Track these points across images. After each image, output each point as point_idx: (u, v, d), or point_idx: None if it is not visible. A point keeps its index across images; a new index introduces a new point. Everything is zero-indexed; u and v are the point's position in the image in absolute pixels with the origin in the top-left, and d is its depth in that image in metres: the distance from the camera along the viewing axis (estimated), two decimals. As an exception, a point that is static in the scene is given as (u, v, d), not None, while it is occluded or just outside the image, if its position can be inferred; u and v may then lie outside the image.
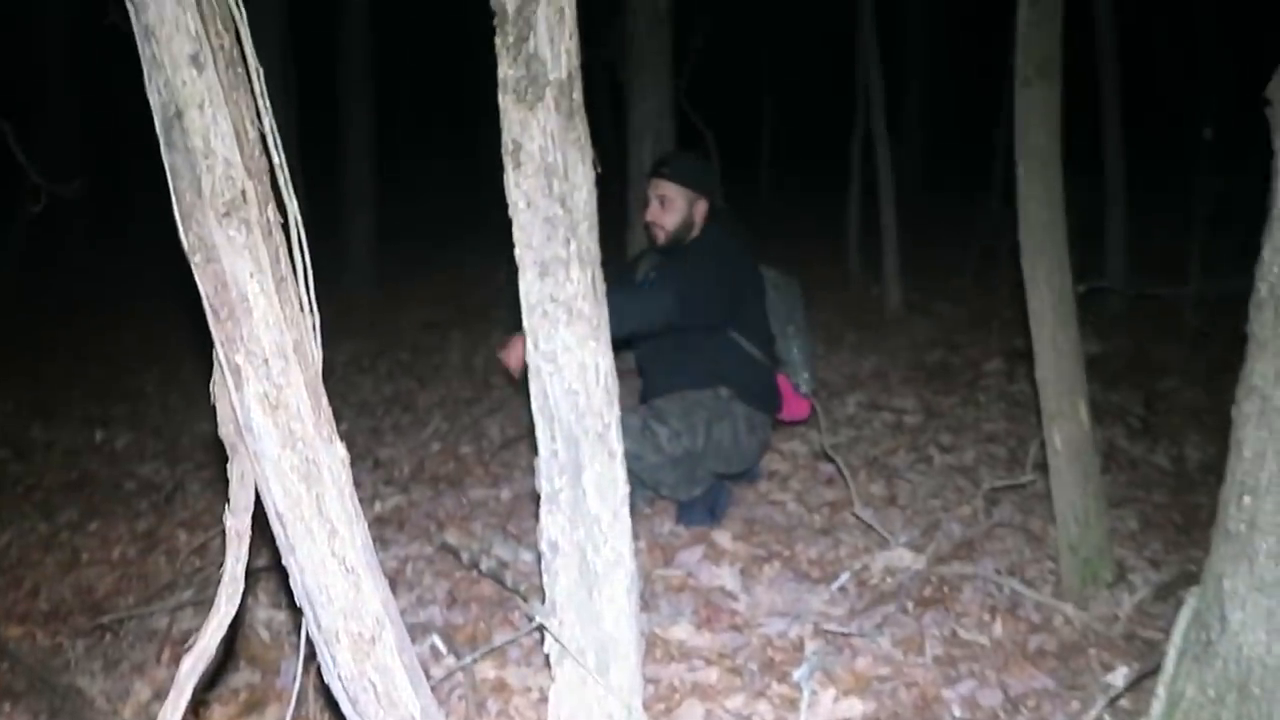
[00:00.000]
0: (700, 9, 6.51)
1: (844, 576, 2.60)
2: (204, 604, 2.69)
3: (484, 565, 2.70)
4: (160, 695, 2.30)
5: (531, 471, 3.40)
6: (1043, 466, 2.56)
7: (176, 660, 2.42)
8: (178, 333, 6.09)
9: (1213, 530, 1.75)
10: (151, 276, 7.85)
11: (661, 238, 3.07)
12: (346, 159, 7.16)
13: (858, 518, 2.91)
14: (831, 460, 3.17)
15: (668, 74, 4.67)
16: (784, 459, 3.47)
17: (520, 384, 2.27)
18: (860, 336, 5.15)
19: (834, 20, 8.25)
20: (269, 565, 2.64)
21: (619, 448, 1.89)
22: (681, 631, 2.37)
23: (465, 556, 2.80)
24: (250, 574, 2.66)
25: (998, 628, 2.33)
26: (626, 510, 1.88)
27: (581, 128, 1.83)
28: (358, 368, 5.19)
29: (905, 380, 4.37)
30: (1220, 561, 1.72)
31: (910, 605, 2.45)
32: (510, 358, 2.75)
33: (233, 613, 1.37)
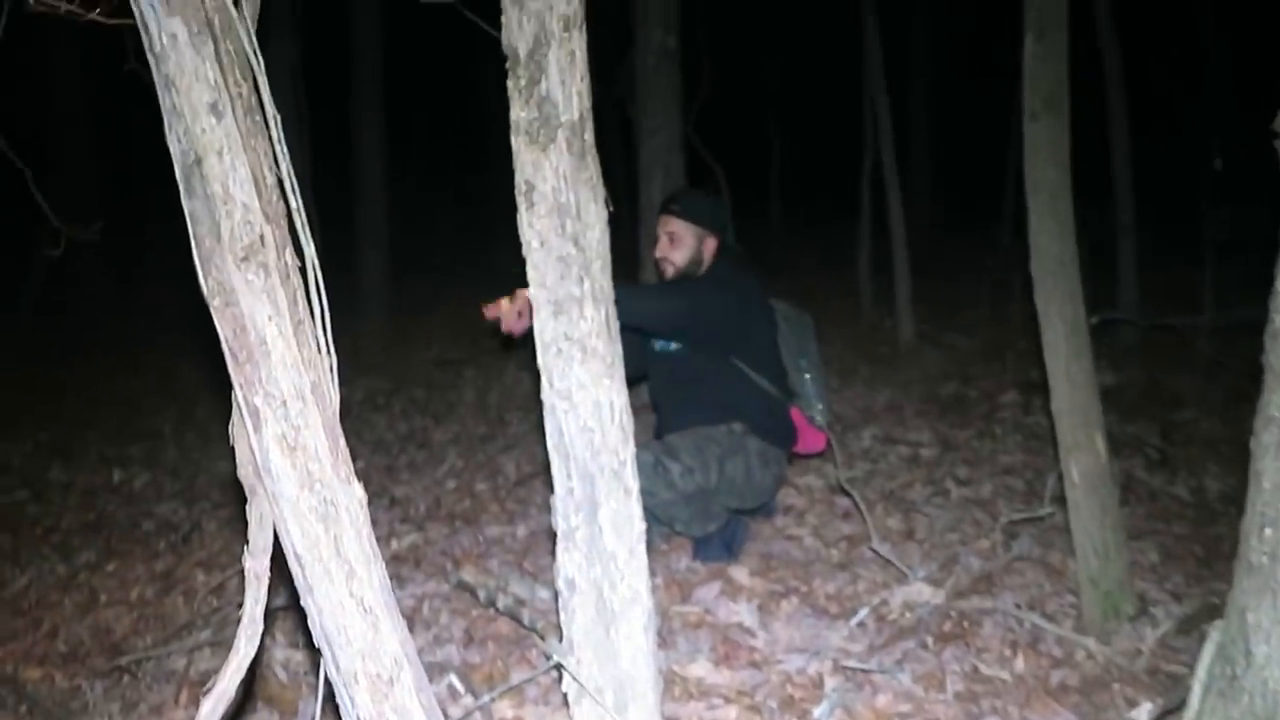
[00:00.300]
0: (708, 45, 6.60)
1: (863, 612, 2.58)
2: (221, 644, 2.70)
3: (501, 603, 2.70)
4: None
5: (547, 508, 3.40)
6: (1061, 499, 2.55)
7: (194, 701, 2.43)
8: (193, 373, 6.15)
9: (1235, 563, 1.74)
10: (165, 318, 7.95)
11: (671, 273, 3.09)
12: (359, 198, 7.24)
13: (875, 552, 2.89)
14: (848, 494, 3.16)
15: (677, 110, 4.72)
16: (800, 493, 3.46)
17: (515, 351, 2.20)
18: (873, 369, 5.15)
19: (842, 53, 8.32)
20: (286, 605, 2.64)
21: (635, 485, 1.90)
22: (700, 669, 2.35)
23: (482, 595, 2.79)
24: (268, 614, 2.66)
25: (1019, 663, 2.31)
26: (643, 547, 1.88)
27: (593, 168, 1.85)
28: (372, 405, 5.21)
29: (920, 413, 4.36)
30: (1243, 595, 1.70)
31: (930, 641, 2.43)
32: (508, 317, 2.63)
33: (252, 654, 1.37)
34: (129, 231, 9.38)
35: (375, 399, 5.33)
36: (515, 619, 2.63)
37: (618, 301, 2.54)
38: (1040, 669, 2.28)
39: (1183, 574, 2.72)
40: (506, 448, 4.29)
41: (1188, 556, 2.85)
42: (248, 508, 1.51)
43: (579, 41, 1.82)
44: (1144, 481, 3.42)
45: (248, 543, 1.50)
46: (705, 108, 6.06)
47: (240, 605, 2.88)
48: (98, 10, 2.52)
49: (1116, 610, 2.40)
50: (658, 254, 3.11)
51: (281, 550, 1.50)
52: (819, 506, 3.36)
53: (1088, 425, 2.40)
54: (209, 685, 1.38)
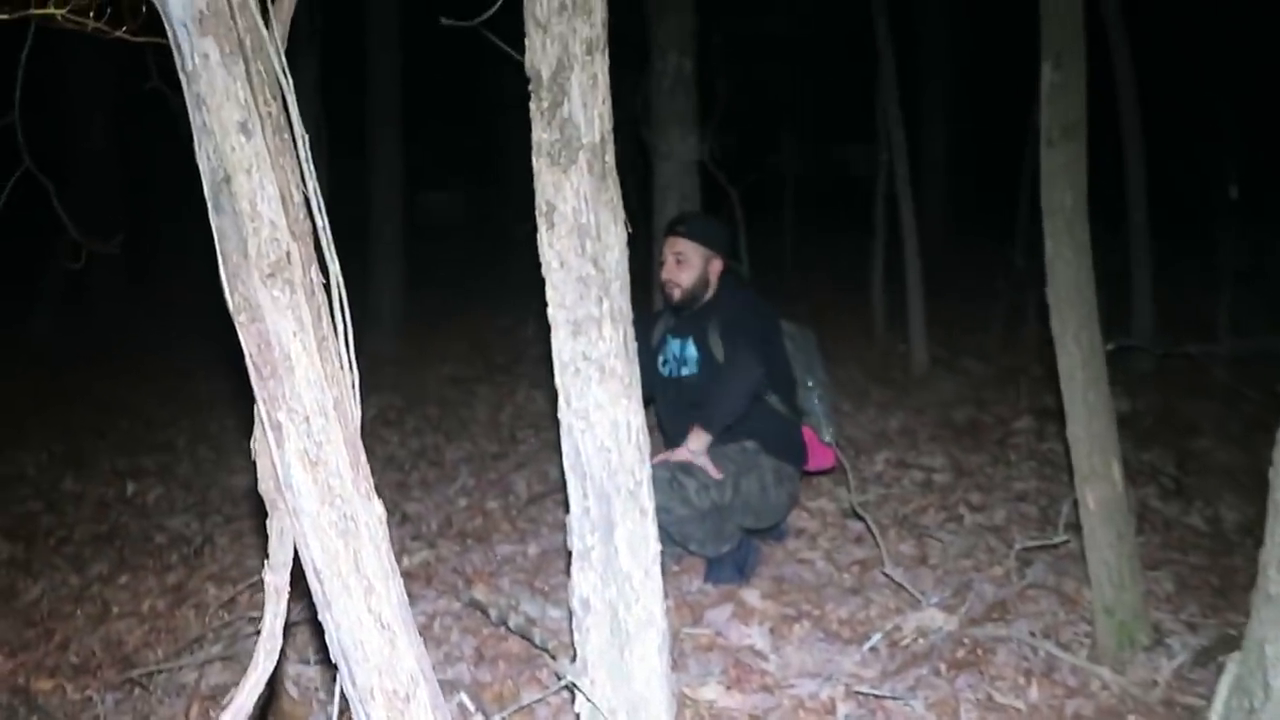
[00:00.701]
0: (723, 68, 6.63)
1: (875, 637, 2.57)
2: (233, 659, 2.70)
3: (512, 622, 2.70)
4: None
5: (558, 527, 3.42)
6: (1075, 526, 2.54)
7: (205, 715, 2.44)
8: (205, 386, 6.19)
9: (1252, 594, 1.73)
10: (178, 331, 8.01)
11: (677, 295, 3.10)
12: (374, 216, 7.27)
13: (888, 577, 2.88)
14: (861, 518, 3.15)
15: (692, 133, 4.75)
16: (812, 517, 3.45)
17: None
18: (886, 393, 5.14)
19: (856, 74, 8.37)
20: (299, 620, 2.65)
21: (650, 505, 1.90)
22: (711, 692, 2.34)
23: (493, 613, 2.79)
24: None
25: (1033, 692, 2.29)
26: (658, 569, 1.88)
27: (614, 189, 1.87)
28: (384, 422, 5.23)
29: (933, 438, 4.35)
30: (1261, 626, 1.69)
31: (943, 667, 2.42)
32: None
33: (271, 668, 1.38)
34: (144, 245, 9.48)
35: (387, 415, 5.34)
36: (526, 638, 2.63)
37: (718, 421, 2.63)
38: (1055, 698, 2.27)
39: (1199, 604, 2.70)
40: (518, 466, 4.30)
41: (1204, 587, 2.83)
42: (268, 522, 1.52)
43: (601, 65, 1.84)
44: (1159, 510, 3.40)
45: (267, 557, 1.50)
46: (719, 130, 6.08)
47: (252, 620, 2.90)
48: (124, 29, 2.56)
49: (1132, 640, 2.38)
50: (664, 275, 3.13)
51: (295, 564, 1.51)
52: (831, 530, 3.35)
53: (1104, 453, 2.39)
54: (227, 699, 1.38)
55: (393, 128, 7.21)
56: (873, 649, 2.54)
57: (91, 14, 2.44)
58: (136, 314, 9.00)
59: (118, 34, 2.46)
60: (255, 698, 1.37)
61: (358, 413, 1.52)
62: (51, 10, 2.45)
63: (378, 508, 1.49)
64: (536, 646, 2.58)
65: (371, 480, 1.51)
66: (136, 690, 2.64)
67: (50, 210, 3.11)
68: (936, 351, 5.66)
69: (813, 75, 10.75)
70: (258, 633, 2.76)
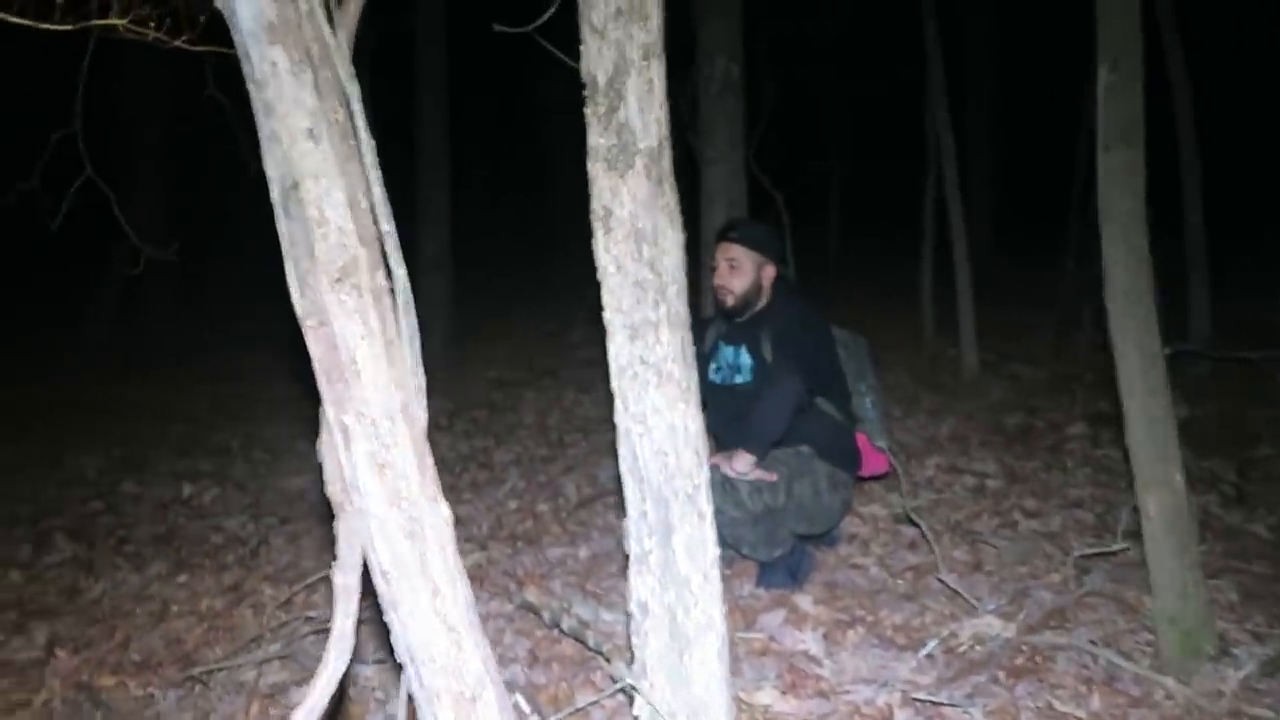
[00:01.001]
0: (771, 71, 6.63)
1: (931, 644, 2.55)
2: (290, 658, 2.74)
3: (565, 625, 2.71)
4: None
5: (609, 531, 3.43)
6: (1134, 534, 2.50)
7: (264, 713, 2.48)
8: (257, 392, 6.30)
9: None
10: (232, 337, 8.16)
11: (730, 301, 3.09)
12: (424, 222, 7.35)
13: (943, 583, 2.86)
14: (915, 524, 3.13)
15: (740, 138, 4.75)
16: (864, 522, 3.43)
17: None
18: (936, 399, 5.09)
19: (904, 80, 8.31)
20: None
21: (709, 509, 1.90)
22: (766, 697, 2.34)
23: (546, 616, 2.80)
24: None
25: (1095, 701, 2.26)
26: (717, 572, 1.89)
27: (670, 194, 1.88)
28: (434, 425, 5.22)
29: (985, 443, 4.31)
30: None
31: (1001, 675, 2.39)
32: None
33: (342, 669, 1.40)
34: (196, 253, 9.66)
35: (437, 419, 5.38)
36: (580, 641, 2.64)
37: (760, 440, 2.62)
38: (1117, 707, 2.23)
39: (1264, 614, 2.65)
40: (567, 469, 4.32)
41: (1268, 596, 2.77)
42: (335, 524, 1.54)
43: (657, 70, 1.85)
44: (1220, 518, 3.34)
45: (334, 558, 1.53)
46: (765, 136, 6.08)
47: (309, 620, 2.94)
48: (184, 38, 2.62)
49: (1196, 650, 2.34)
50: (717, 281, 3.12)
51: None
52: (883, 535, 3.33)
53: (1165, 460, 2.35)
54: (299, 699, 1.40)
55: (439, 128, 7.28)
56: (929, 655, 2.51)
57: (152, 24, 2.50)
58: (188, 320, 9.19)
59: (177, 43, 2.52)
60: (328, 697, 1.39)
61: (425, 416, 1.54)
62: (114, 21, 2.51)
63: (444, 510, 1.51)
64: (590, 649, 2.59)
65: (439, 483, 1.53)
66: (197, 687, 2.69)
67: (108, 217, 3.19)
68: (986, 356, 5.60)
69: (858, 79, 10.70)
70: (315, 632, 2.81)
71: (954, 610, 2.76)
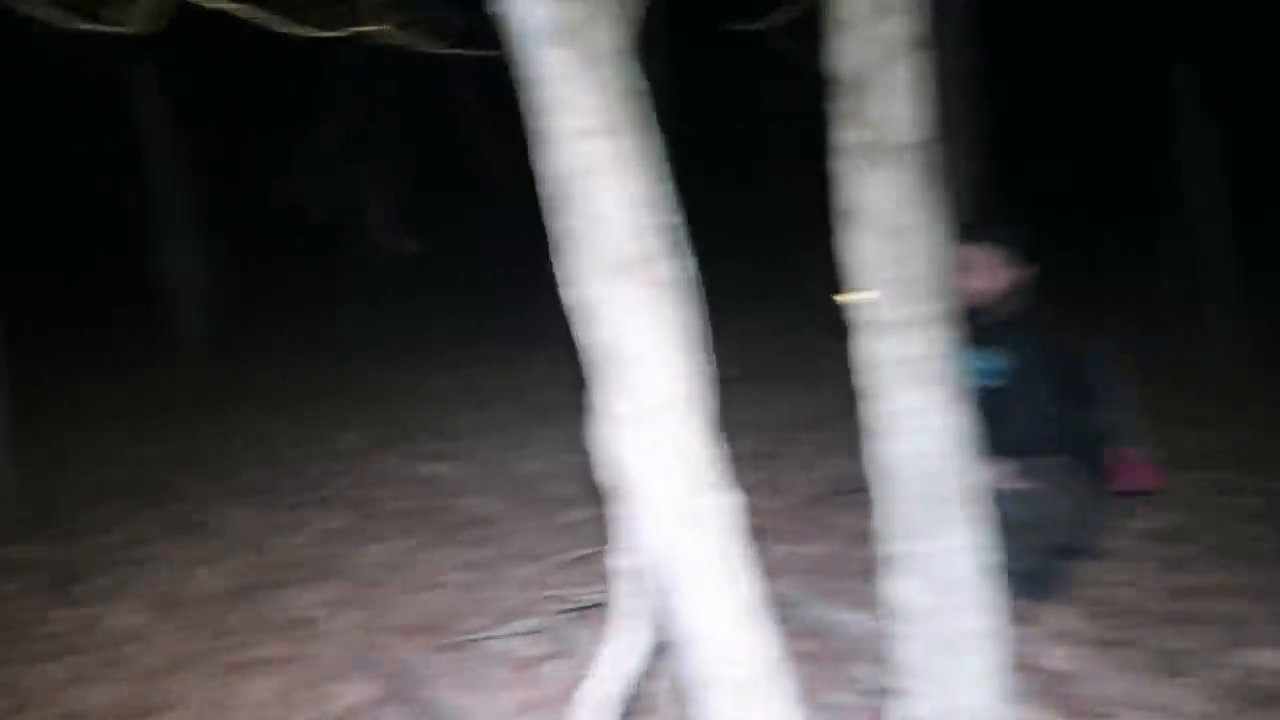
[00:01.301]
0: (1009, 64, 6.34)
1: (1203, 671, 2.36)
2: (541, 633, 2.87)
3: (803, 624, 2.70)
4: (520, 712, 2.47)
5: (842, 529, 3.39)
6: None
7: (525, 683, 2.60)
8: (495, 379, 6.66)
9: None
10: (471, 328, 8.64)
11: (976, 303, 2.97)
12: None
13: (1213, 607, 2.64)
14: (1177, 543, 2.91)
15: (978, 132, 4.58)
16: (1124, 538, 3.22)
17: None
18: (1192, 411, 4.72)
19: (1139, 75, 7.72)
20: (600, 602, 2.77)
21: (976, 511, 1.84)
22: (1030, 713, 2.24)
23: (783, 613, 2.80)
24: (584, 610, 2.81)
25: None
26: (984, 576, 1.82)
27: (929, 190, 1.82)
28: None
29: (1253, 458, 3.95)
30: None
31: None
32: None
33: (638, 648, 1.45)
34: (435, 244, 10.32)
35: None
36: (821, 640, 2.62)
37: (1010, 453, 2.58)
38: None
39: None
40: (794, 467, 4.29)
41: None
42: (611, 509, 1.59)
43: (918, 63, 1.79)
44: None
45: (610, 541, 1.57)
46: (999, 126, 5.82)
47: (558, 599, 3.05)
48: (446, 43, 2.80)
49: None
50: (968, 284, 2.99)
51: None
52: (1145, 554, 3.12)
53: None
54: (591, 672, 1.47)
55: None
56: (1198, 683, 2.33)
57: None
58: (430, 310, 9.81)
59: (428, 48, 2.70)
60: (618, 678, 1.44)
61: (707, 405, 1.56)
62: (381, 28, 2.70)
63: (729, 497, 1.52)
64: (833, 649, 2.57)
65: (721, 471, 1.54)
66: (459, 653, 2.85)
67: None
68: (1242, 366, 5.14)
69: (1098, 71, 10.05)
70: (564, 611, 2.92)
71: (1234, 637, 2.55)
